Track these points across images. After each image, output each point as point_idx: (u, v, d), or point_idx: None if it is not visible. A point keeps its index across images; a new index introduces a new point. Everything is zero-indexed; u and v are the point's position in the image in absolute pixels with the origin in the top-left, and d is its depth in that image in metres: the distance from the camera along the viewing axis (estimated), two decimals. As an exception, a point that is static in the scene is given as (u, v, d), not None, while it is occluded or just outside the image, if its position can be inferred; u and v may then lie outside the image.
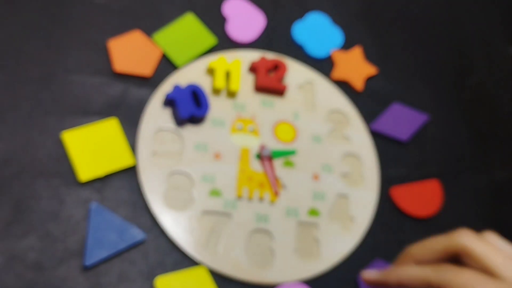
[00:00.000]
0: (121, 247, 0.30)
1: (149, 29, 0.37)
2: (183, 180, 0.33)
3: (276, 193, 0.34)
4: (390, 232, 0.36)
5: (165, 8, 0.38)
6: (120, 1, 0.38)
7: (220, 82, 0.35)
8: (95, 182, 0.32)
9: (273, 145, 0.36)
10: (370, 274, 0.24)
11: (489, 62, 0.47)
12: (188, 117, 0.33)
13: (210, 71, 0.36)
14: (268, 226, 0.33)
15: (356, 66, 0.41)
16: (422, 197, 0.38)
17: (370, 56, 0.42)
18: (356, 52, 0.42)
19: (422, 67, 0.44)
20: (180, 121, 0.33)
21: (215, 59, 0.36)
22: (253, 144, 0.36)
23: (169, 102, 0.33)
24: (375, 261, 0.34)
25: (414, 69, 0.44)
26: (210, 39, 0.38)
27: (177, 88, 0.33)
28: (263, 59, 0.37)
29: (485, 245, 0.22)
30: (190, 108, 0.33)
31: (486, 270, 0.22)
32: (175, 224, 0.32)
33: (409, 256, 0.25)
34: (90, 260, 0.29)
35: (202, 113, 0.33)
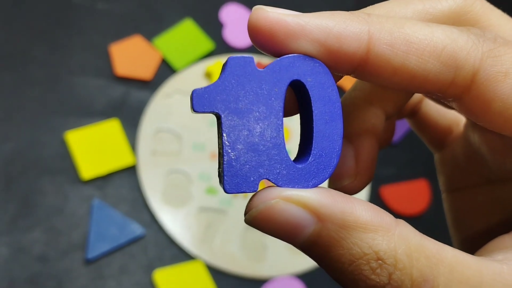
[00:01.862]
0: (122, 242, 0.32)
1: (149, 34, 0.39)
2: (181, 179, 0.35)
3: (269, 191, 0.36)
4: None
5: (165, 14, 0.40)
6: (122, 7, 0.39)
7: None
8: (97, 179, 0.33)
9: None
10: None
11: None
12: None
13: (208, 75, 0.38)
14: (262, 223, 0.35)
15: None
16: (411, 195, 0.40)
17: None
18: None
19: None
20: None
21: (212, 63, 0.38)
22: (248, 144, 0.37)
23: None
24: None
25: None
26: (207, 44, 0.39)
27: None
28: (258, 63, 0.39)
29: None
30: None
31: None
32: (173, 220, 0.33)
33: None
34: (92, 253, 0.31)
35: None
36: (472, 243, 0.13)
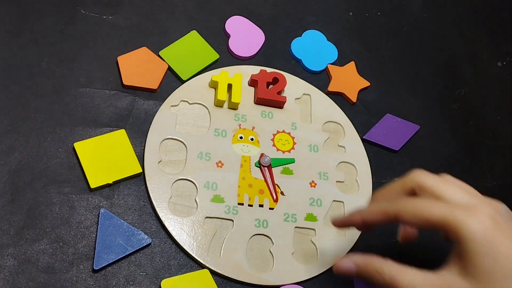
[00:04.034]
0: (129, 251, 0.32)
1: (156, 46, 0.39)
2: (187, 187, 0.35)
3: (275, 200, 0.36)
4: (383, 236, 0.38)
5: (170, 27, 0.41)
6: (129, 20, 0.40)
7: (222, 95, 0.37)
8: (104, 189, 0.33)
9: (272, 154, 0.38)
10: (343, 262, 0.29)
11: (477, 76, 0.49)
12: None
13: (213, 84, 0.38)
14: (268, 231, 0.35)
15: (350, 80, 0.43)
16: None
17: (363, 70, 0.45)
18: (350, 67, 0.44)
19: (412, 80, 0.47)
20: None
21: (217, 73, 0.39)
22: (253, 153, 0.37)
23: None
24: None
25: (405, 82, 0.46)
26: (213, 55, 0.40)
27: None
28: (263, 72, 0.40)
29: (436, 178, 0.26)
30: None
31: (435, 196, 0.25)
32: (180, 229, 0.33)
33: (374, 199, 0.29)
34: (99, 263, 0.31)
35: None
36: None
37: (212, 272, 0.33)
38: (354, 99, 0.43)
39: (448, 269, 0.24)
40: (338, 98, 0.42)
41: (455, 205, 0.24)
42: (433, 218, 0.24)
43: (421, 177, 0.26)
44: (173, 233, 0.33)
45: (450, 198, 0.25)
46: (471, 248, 0.23)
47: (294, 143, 0.39)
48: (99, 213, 0.32)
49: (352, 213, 0.29)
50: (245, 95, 0.39)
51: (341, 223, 0.30)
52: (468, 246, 0.23)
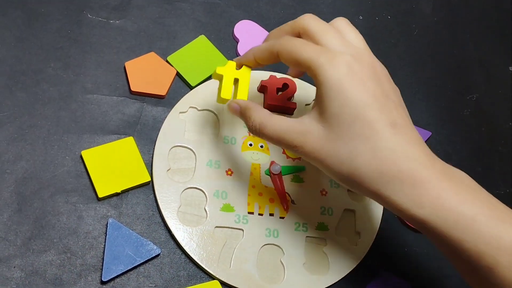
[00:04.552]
0: (137, 262, 0.31)
1: (164, 52, 0.39)
2: (196, 196, 0.34)
3: (286, 208, 0.36)
4: (394, 245, 0.37)
5: (179, 32, 0.40)
6: (136, 25, 0.39)
7: (227, 92, 0.31)
8: (112, 198, 0.33)
9: (282, 162, 0.37)
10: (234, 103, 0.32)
11: (488, 81, 0.48)
12: None
13: (217, 76, 0.32)
14: (279, 241, 0.34)
15: (361, 85, 0.42)
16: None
17: (373, 75, 0.44)
18: (360, 72, 0.43)
19: (423, 85, 0.46)
20: None
21: (224, 65, 0.32)
22: (263, 160, 0.37)
23: None
24: (382, 273, 0.35)
25: (416, 87, 0.45)
26: (221, 60, 0.39)
27: None
28: (272, 77, 0.39)
29: (321, 24, 0.27)
30: None
31: (313, 41, 0.27)
32: (189, 239, 0.33)
33: (266, 38, 0.32)
34: (107, 275, 0.30)
35: None
36: None
37: (222, 283, 0.32)
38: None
39: (309, 114, 0.27)
40: (349, 104, 0.42)
41: (322, 51, 0.26)
42: (301, 59, 0.26)
43: (307, 21, 0.27)
44: (183, 243, 0.32)
45: (326, 45, 0.26)
46: (324, 93, 0.25)
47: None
48: (107, 223, 0.32)
49: (246, 52, 0.31)
50: (254, 100, 0.38)
51: (238, 61, 0.32)
52: (322, 91, 0.25)
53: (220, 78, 0.32)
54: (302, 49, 0.26)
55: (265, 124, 0.27)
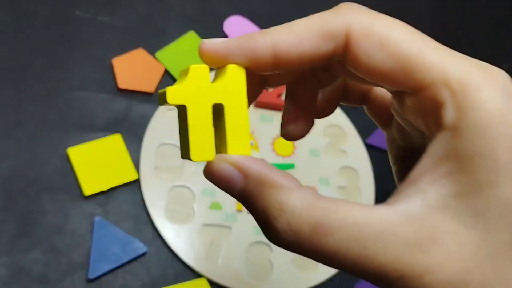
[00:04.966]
0: (124, 260, 0.31)
1: (152, 47, 0.38)
2: (184, 194, 0.34)
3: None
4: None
5: (167, 27, 0.40)
6: (124, 20, 0.39)
7: (203, 144, 0.15)
8: (99, 196, 0.33)
9: (272, 159, 0.37)
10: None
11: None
12: None
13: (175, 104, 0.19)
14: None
15: (352, 81, 0.42)
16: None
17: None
18: (352, 68, 0.43)
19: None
20: None
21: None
22: (252, 158, 0.36)
23: None
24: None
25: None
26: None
27: None
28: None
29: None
30: None
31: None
32: (177, 237, 0.32)
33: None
34: (93, 273, 0.30)
35: None
36: None
37: (210, 281, 0.32)
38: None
39: (421, 196, 0.12)
40: (340, 100, 0.41)
41: (467, 60, 0.13)
42: (424, 70, 0.12)
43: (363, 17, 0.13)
44: (170, 241, 0.32)
45: None
46: (481, 146, 0.11)
47: (294, 148, 0.38)
48: (93, 221, 0.31)
49: (238, 38, 0.14)
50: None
51: (216, 55, 0.14)
52: (474, 141, 0.11)
53: (181, 109, 0.14)
54: (424, 48, 0.12)
55: (327, 229, 0.12)
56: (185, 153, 0.14)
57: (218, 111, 0.14)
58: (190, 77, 0.13)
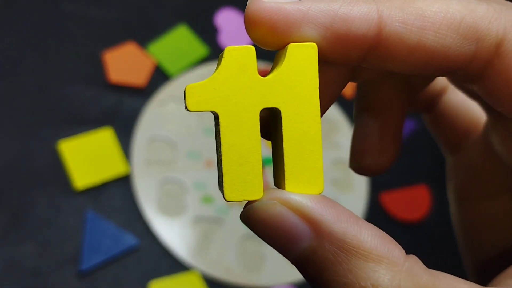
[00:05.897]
0: (116, 253, 0.31)
1: (143, 41, 0.38)
2: (176, 187, 0.34)
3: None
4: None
5: (158, 20, 0.39)
6: (115, 14, 0.39)
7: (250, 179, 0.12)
8: (90, 190, 0.33)
9: (264, 152, 0.37)
10: None
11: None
12: None
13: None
14: (259, 232, 0.34)
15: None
16: (411, 202, 0.39)
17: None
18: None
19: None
20: None
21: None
22: (244, 151, 0.36)
23: None
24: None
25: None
26: (202, 50, 0.39)
27: None
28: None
29: None
30: None
31: None
32: (169, 230, 0.33)
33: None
34: (85, 265, 0.30)
35: None
36: (489, 267, 0.11)
37: (202, 274, 0.32)
38: (350, 95, 0.41)
39: None
40: (333, 93, 0.41)
41: None
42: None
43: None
44: (162, 234, 0.32)
45: None
46: None
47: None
48: (85, 215, 0.32)
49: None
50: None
51: (275, 29, 0.10)
52: None
53: (215, 116, 0.09)
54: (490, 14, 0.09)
55: None
56: (221, 184, 0.09)
57: (271, 120, 0.09)
58: (225, 66, 0.08)
